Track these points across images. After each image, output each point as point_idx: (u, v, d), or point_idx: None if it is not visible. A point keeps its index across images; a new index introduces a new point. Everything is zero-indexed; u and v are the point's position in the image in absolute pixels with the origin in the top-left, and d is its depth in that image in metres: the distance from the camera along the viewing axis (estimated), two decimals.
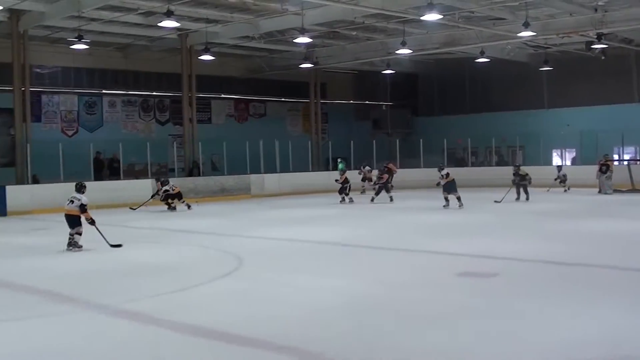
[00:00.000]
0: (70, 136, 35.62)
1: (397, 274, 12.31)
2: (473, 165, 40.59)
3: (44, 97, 35.09)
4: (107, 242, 16.03)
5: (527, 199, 26.97)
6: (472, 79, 44.26)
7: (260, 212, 26.35)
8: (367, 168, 34.29)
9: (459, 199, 24.95)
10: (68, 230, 16.20)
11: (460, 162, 40.86)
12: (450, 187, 25.34)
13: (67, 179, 27.73)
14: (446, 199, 25.19)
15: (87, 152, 30.62)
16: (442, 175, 25.50)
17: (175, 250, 16.37)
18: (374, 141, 39.92)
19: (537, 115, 41.83)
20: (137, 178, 32.99)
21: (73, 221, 16.24)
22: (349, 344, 7.90)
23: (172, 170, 36.46)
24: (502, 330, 8.34)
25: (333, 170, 36.90)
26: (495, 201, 26.41)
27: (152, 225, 21.71)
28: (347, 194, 28.73)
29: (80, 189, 16.76)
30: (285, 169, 35.88)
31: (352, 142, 39.17)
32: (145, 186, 30.57)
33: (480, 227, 19.49)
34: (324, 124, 45.16)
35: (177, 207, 26.82)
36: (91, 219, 16.32)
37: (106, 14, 28.59)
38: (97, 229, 16.22)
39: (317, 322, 8.97)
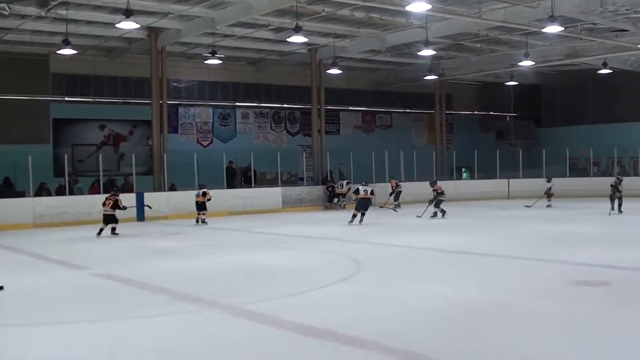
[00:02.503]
0: (205, 146, 36.48)
1: (509, 282, 12.11)
2: (595, 175, 39.56)
3: (180, 110, 36.05)
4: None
5: (620, 211, 25.39)
6: (595, 89, 43.22)
7: (383, 219, 26.29)
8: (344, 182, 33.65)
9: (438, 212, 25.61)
10: (200, 235, 16.57)
11: (583, 173, 39.96)
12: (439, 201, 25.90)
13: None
14: (436, 213, 25.81)
15: (220, 162, 31.04)
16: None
17: (298, 255, 16.53)
18: (498, 151, 39.34)
19: None
20: (268, 186, 33.39)
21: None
22: (454, 350, 7.83)
23: (302, 179, 36.92)
24: (615, 343, 8.14)
25: (457, 179, 36.63)
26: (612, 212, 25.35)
27: (281, 232, 21.95)
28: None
29: None
30: (409, 178, 35.77)
31: (476, 152, 38.75)
32: (276, 194, 31.14)
33: (598, 237, 18.98)
34: (448, 134, 44.81)
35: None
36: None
37: (239, 30, 29.13)
38: None
39: (426, 327, 8.91)
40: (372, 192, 24.59)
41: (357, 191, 24.59)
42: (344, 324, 8.95)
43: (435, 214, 25.90)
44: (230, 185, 31.76)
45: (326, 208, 32.68)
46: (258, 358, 7.75)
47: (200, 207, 25.31)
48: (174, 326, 9.28)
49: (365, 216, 24.03)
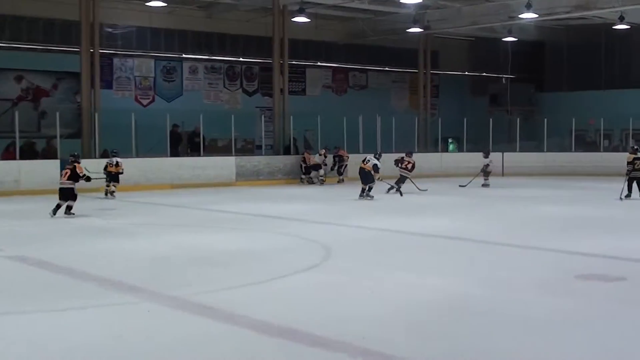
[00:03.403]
0: (145, 106, 36.09)
1: (504, 273, 12.14)
2: (605, 150, 39.73)
3: (116, 61, 35.55)
4: None
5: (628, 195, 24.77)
6: (608, 49, 43.44)
7: (353, 197, 26.34)
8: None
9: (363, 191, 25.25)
10: (138, 211, 16.49)
11: (591, 146, 40.19)
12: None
13: (140, 154, 28.20)
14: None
15: (163, 124, 30.72)
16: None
17: (258, 237, 16.51)
18: (491, 120, 39.43)
19: None
20: (219, 155, 33.23)
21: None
22: (437, 351, 7.88)
23: (259, 147, 36.78)
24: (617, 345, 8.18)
25: (443, 152, 36.78)
26: (620, 198, 25.29)
27: (235, 209, 21.89)
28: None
29: None
30: (387, 149, 35.74)
31: (465, 120, 38.84)
32: (228, 164, 31.00)
33: (607, 223, 19.06)
34: (433, 98, 44.81)
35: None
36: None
37: None
38: None
39: (406, 323, 8.94)
40: (375, 166, 24.77)
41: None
42: (309, 321, 8.94)
43: (391, 188, 26.57)
44: (175, 153, 31.65)
45: (302, 182, 32.73)
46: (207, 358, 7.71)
47: (113, 177, 25.36)
48: (107, 321, 9.19)
49: (370, 191, 24.65)
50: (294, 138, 35.04)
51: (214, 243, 15.45)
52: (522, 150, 37.38)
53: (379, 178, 25.00)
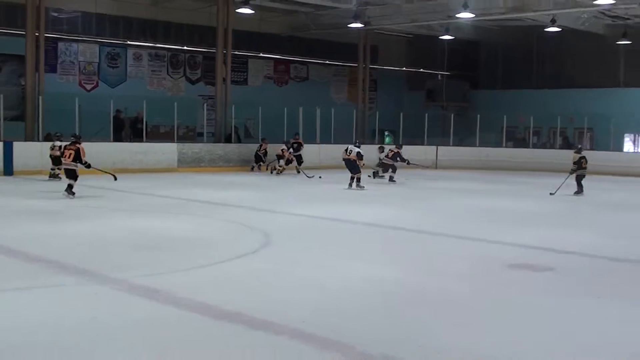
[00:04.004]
0: (89, 90, 35.65)
1: (439, 262, 12.30)
2: (534, 146, 40.25)
3: (61, 45, 35.04)
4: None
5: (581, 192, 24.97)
6: (540, 50, 43.87)
7: (296, 185, 26.40)
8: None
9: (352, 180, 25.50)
10: (80, 195, 16.38)
11: (520, 143, 40.67)
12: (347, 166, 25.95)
13: (83, 138, 27.98)
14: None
15: (107, 109, 30.48)
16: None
17: (198, 223, 16.51)
18: (427, 114, 39.71)
19: (610, 95, 41.20)
20: (161, 141, 33.02)
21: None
22: (373, 336, 7.96)
23: (201, 134, 36.65)
24: (549, 335, 8.31)
25: (379, 143, 36.92)
26: (551, 193, 25.59)
27: (178, 195, 21.81)
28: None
29: None
30: (326, 140, 35.81)
31: (401, 113, 39.02)
32: (170, 150, 30.86)
33: (536, 216, 19.33)
34: (371, 92, 44.95)
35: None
36: None
37: None
38: None
39: (342, 309, 9.03)
40: (358, 154, 25.03)
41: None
42: (250, 305, 8.99)
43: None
44: (118, 138, 31.46)
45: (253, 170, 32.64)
46: (152, 341, 7.69)
47: (56, 161, 24.94)
48: (53, 302, 9.17)
49: (360, 181, 24.96)
50: (235, 127, 34.94)
51: (157, 227, 15.44)
52: (455, 144, 37.71)
53: (363, 165, 25.15)
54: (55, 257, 11.81)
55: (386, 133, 42.15)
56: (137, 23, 37.32)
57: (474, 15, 33.12)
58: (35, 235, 13.99)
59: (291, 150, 31.51)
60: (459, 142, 38.11)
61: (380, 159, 29.43)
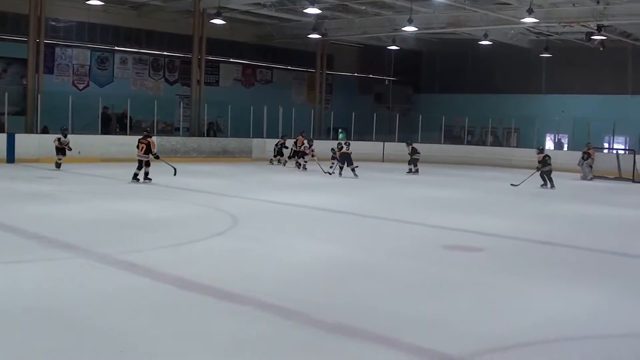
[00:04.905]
0: (80, 90, 35.39)
1: (384, 242, 12.39)
2: (469, 143, 40.56)
3: (57, 50, 34.80)
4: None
5: (552, 186, 24.78)
6: (474, 60, 43.98)
7: (260, 175, 26.38)
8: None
9: (353, 170, 26.45)
10: (72, 180, 16.29)
11: (457, 140, 40.92)
12: (345, 159, 26.86)
13: (75, 131, 27.86)
14: (340, 168, 27.02)
15: (96, 106, 30.55)
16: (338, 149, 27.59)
17: (176, 206, 16.50)
18: (375, 114, 39.89)
19: (534, 100, 41.48)
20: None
21: None
22: (327, 306, 8.02)
23: (177, 129, 36.53)
24: (477, 303, 8.44)
25: (333, 139, 36.91)
26: (513, 184, 25.04)
27: (155, 182, 21.67)
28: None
29: None
30: (287, 135, 35.76)
31: (353, 114, 39.12)
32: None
33: (469, 204, 19.51)
34: (327, 94, 44.79)
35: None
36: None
37: None
38: None
39: (300, 282, 9.11)
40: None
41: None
42: (221, 278, 9.03)
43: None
44: (105, 131, 31.28)
45: (271, 163, 32.25)
46: (134, 309, 7.70)
47: (62, 151, 24.98)
48: (45, 273, 9.18)
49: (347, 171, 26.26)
50: (211, 123, 34.87)
51: (139, 209, 15.43)
52: (400, 140, 37.76)
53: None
54: (48, 234, 11.78)
55: (340, 130, 42.16)
56: (123, 31, 37.08)
57: (417, 29, 33.13)
58: (31, 215, 13.92)
59: (313, 147, 30.87)
60: (403, 139, 38.20)
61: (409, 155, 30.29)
